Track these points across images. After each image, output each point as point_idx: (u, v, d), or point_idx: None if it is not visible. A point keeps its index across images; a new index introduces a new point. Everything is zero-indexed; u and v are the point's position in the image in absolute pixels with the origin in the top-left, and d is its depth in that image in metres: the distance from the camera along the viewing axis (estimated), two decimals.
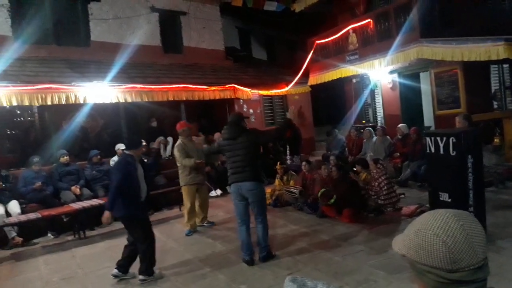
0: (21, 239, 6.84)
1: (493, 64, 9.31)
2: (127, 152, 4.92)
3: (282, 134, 5.45)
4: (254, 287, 4.26)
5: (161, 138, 10.09)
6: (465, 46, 7.72)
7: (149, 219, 4.92)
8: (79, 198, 7.64)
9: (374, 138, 9.86)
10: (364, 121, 12.58)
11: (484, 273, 1.00)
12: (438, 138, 4.88)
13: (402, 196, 7.15)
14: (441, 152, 4.84)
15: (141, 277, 4.70)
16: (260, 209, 4.96)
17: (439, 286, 1.01)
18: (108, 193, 4.72)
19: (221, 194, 9.52)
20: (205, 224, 6.88)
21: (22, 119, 9.92)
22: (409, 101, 11.08)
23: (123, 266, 4.81)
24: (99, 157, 8.36)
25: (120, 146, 8.68)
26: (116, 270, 4.80)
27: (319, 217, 6.70)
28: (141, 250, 4.71)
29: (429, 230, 1.01)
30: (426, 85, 10.62)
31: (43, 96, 7.82)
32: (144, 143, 6.54)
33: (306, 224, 6.46)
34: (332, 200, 6.48)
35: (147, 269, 4.71)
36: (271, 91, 12.24)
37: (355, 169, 7.79)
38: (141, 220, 4.73)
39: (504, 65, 9.69)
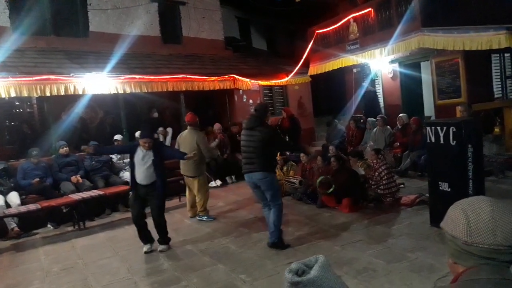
0: (21, 231, 6.85)
1: (494, 53, 9.24)
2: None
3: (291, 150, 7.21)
4: (253, 277, 4.26)
5: (160, 129, 10.09)
6: (467, 35, 7.65)
7: None
8: (78, 189, 7.65)
9: (375, 128, 9.83)
10: (364, 111, 12.50)
11: (503, 257, 1.07)
12: (439, 128, 4.87)
13: (402, 186, 7.15)
14: (441, 141, 4.83)
15: (163, 247, 5.35)
16: (272, 196, 5.06)
17: (455, 254, 1.16)
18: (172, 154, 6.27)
19: (220, 185, 9.53)
20: (205, 219, 6.79)
21: (21, 110, 9.90)
22: (409, 90, 11.02)
23: (148, 237, 5.40)
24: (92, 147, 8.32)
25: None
26: (148, 246, 5.36)
27: (318, 207, 6.72)
28: (162, 223, 5.38)
29: (460, 205, 1.16)
30: (426, 75, 10.55)
31: (42, 87, 7.78)
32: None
33: (306, 214, 6.47)
34: (331, 189, 6.47)
35: (166, 239, 5.42)
36: (271, 82, 12.17)
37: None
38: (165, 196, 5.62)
39: (506, 54, 9.62)
